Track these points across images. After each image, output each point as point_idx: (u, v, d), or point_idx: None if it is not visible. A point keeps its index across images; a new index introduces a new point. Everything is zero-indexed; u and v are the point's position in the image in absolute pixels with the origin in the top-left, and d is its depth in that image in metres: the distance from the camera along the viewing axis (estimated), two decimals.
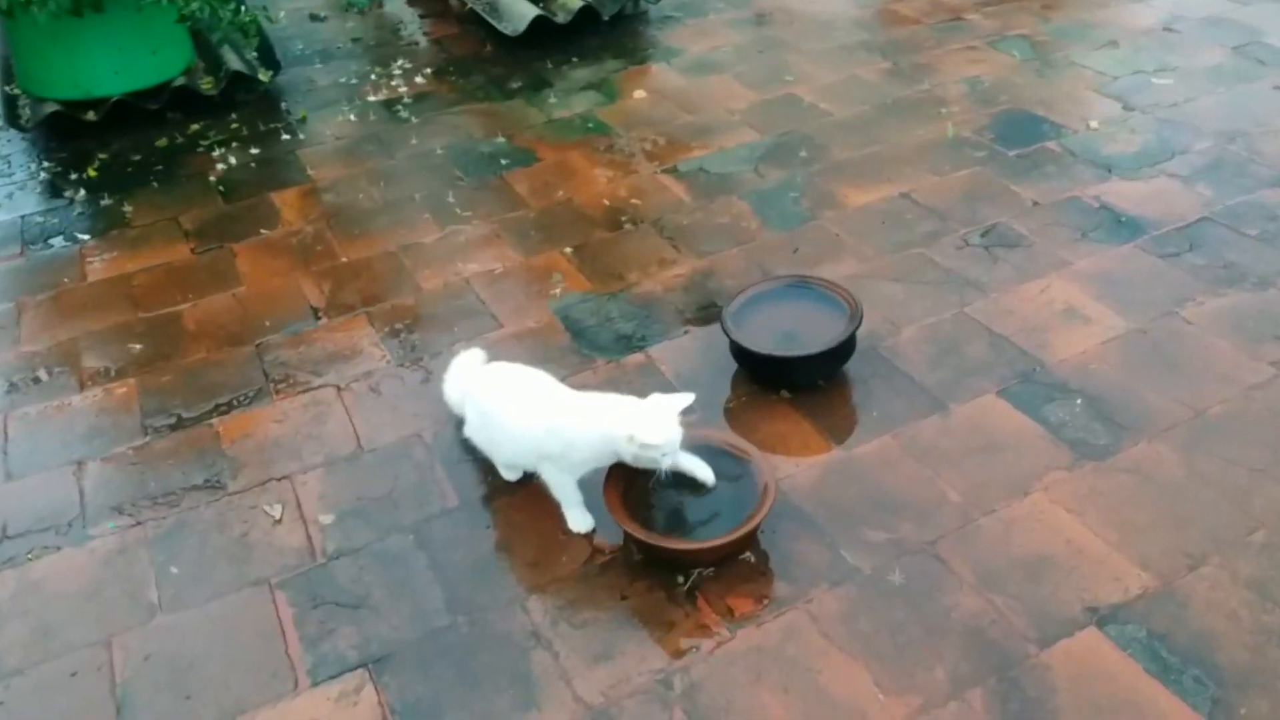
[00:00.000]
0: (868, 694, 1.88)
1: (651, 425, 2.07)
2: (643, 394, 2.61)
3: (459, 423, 2.51)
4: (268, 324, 3.05)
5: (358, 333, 2.99)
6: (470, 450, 2.46)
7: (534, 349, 2.86)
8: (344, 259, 3.34)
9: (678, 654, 1.99)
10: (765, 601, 2.08)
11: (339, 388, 2.78)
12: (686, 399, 2.14)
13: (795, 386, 2.63)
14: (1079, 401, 2.52)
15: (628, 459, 2.12)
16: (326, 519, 2.36)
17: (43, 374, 2.89)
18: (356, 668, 2.01)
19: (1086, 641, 1.94)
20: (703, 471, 2.20)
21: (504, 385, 2.35)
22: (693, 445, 2.27)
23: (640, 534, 2.12)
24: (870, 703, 1.87)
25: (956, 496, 2.28)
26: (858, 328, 2.57)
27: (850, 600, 2.06)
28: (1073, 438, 2.41)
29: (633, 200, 3.55)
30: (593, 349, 2.86)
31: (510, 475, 2.40)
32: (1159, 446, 2.37)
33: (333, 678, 1.99)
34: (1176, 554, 2.10)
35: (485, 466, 2.44)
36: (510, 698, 1.93)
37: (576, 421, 2.17)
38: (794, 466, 2.40)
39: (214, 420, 2.69)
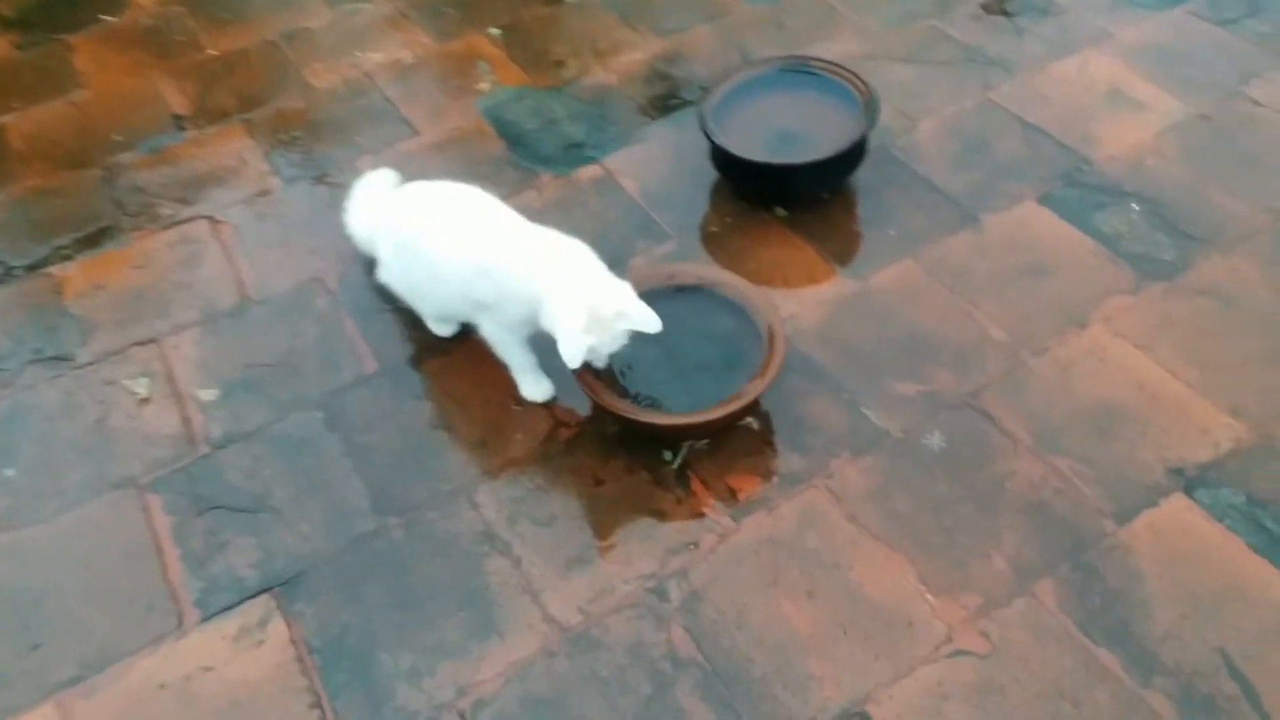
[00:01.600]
0: (913, 593, 1.50)
1: (571, 324, 1.53)
2: (602, 219, 2.12)
3: (371, 263, 1.97)
4: (118, 138, 2.41)
5: (234, 146, 2.37)
6: (389, 298, 1.93)
7: (460, 162, 2.29)
8: (211, 51, 2.67)
9: (671, 552, 1.57)
10: (774, 479, 1.66)
11: (214, 220, 2.19)
12: (647, 324, 1.57)
13: (793, 201, 2.11)
14: (1136, 207, 2.06)
15: (543, 322, 1.62)
16: (208, 395, 1.84)
17: None
18: (258, 593, 1.56)
19: (1174, 512, 1.57)
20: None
21: (425, 211, 1.79)
22: (668, 285, 1.79)
23: (617, 406, 1.65)
24: (917, 604, 1.49)
25: (1000, 333, 1.85)
26: (875, 123, 2.04)
27: (880, 473, 1.65)
28: (1133, 252, 1.97)
29: None
30: (535, 160, 2.29)
31: (442, 330, 1.89)
32: (1238, 260, 1.94)
33: (228, 608, 1.54)
34: (1274, 395, 1.72)
35: (409, 318, 1.92)
36: (462, 623, 1.51)
37: (515, 263, 1.64)
38: (796, 304, 1.93)
39: (53, 268, 2.10)
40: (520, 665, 1.46)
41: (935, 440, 1.69)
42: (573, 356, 1.52)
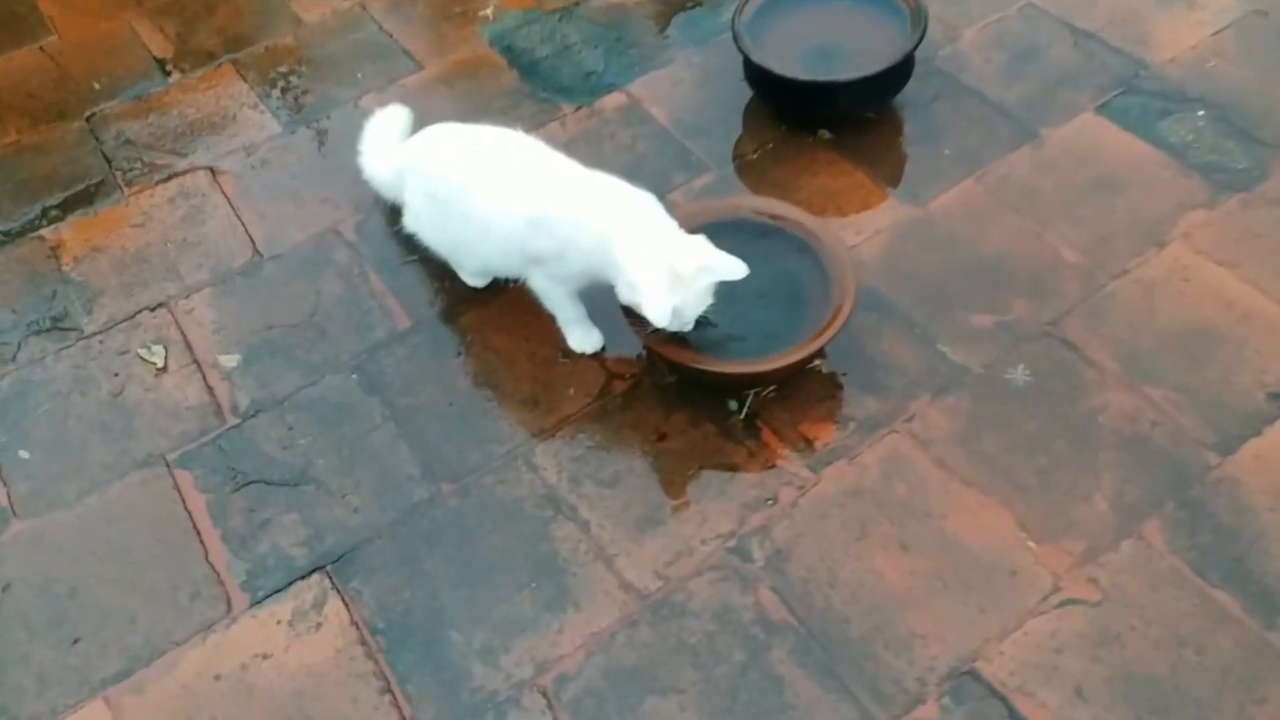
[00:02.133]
0: (1013, 541, 1.41)
1: (654, 283, 1.40)
2: (633, 152, 1.98)
3: (391, 210, 1.83)
4: (97, 87, 2.22)
5: (225, 89, 2.19)
6: (413, 246, 1.79)
7: (471, 96, 2.13)
8: None
9: (749, 509, 1.47)
10: (851, 425, 1.56)
11: (213, 170, 2.02)
12: (731, 271, 1.45)
13: (838, 122, 1.97)
14: (1201, 113, 1.94)
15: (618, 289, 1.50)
16: (230, 361, 1.71)
17: None
18: (310, 573, 1.45)
19: (1278, 440, 1.49)
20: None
21: (461, 158, 1.64)
22: (721, 220, 1.65)
23: (681, 356, 1.53)
24: (1018, 553, 1.40)
25: (1074, 255, 1.74)
26: (924, 32, 1.89)
27: (964, 413, 1.55)
28: (1204, 162, 1.85)
29: None
30: (552, 90, 2.13)
31: (476, 281, 1.75)
32: None
33: (279, 591, 1.43)
34: None
35: (438, 268, 1.78)
36: (535, 594, 1.41)
37: (578, 214, 1.50)
38: (854, 234, 1.80)
39: (44, 231, 1.94)
40: (601, 637, 1.36)
41: (1019, 375, 1.59)
42: (660, 318, 1.40)
